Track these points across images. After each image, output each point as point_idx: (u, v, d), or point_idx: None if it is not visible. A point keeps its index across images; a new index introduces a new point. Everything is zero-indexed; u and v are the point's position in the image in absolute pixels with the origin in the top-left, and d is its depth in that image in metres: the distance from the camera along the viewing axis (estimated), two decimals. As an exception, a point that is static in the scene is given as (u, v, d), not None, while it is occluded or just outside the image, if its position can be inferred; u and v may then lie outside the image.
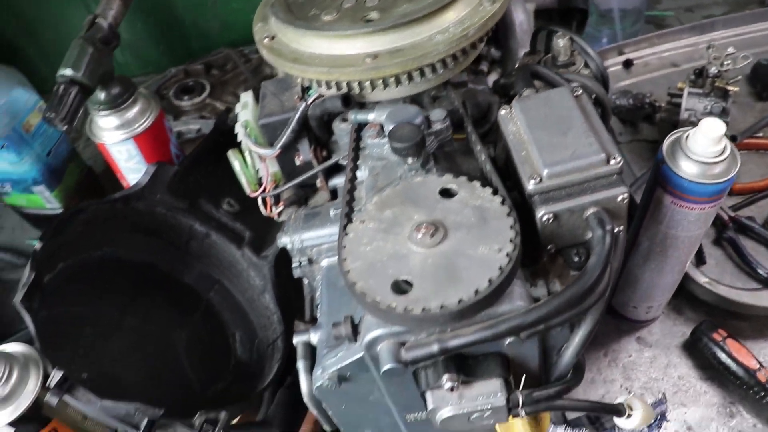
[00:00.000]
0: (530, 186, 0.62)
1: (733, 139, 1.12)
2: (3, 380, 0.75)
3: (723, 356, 0.92)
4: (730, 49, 1.05)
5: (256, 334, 0.98)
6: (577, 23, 1.46)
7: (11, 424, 0.77)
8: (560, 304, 0.57)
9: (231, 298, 1.00)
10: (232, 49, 1.46)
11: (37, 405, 0.78)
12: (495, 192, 0.63)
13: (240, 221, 1.00)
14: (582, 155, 0.62)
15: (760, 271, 1.01)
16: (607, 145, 0.63)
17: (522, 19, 0.96)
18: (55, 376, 0.72)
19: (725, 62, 1.04)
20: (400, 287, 0.58)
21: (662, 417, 0.83)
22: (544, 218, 0.62)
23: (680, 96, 1.11)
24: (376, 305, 0.57)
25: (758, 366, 0.90)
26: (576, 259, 0.65)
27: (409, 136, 0.65)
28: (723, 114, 1.07)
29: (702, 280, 0.98)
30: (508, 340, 0.60)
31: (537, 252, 0.68)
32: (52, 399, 0.71)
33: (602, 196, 0.62)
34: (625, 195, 0.62)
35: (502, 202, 0.62)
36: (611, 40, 1.37)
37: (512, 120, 0.68)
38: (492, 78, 0.89)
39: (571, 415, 0.86)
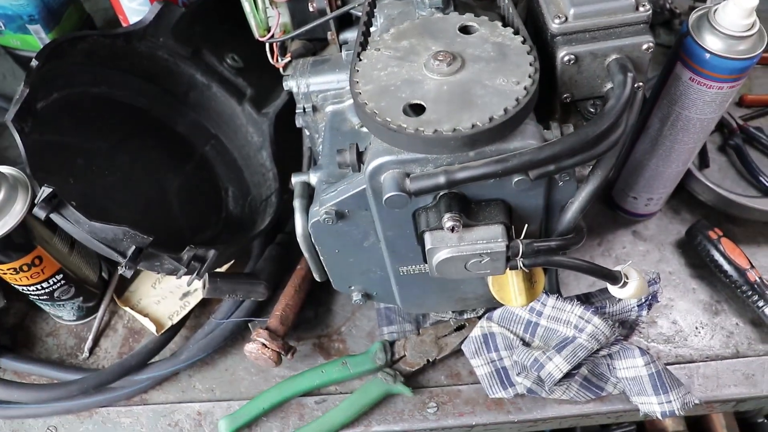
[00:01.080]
0: (554, 25, 0.60)
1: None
2: (-11, 196, 0.74)
3: (716, 254, 0.92)
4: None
5: (249, 191, 0.96)
6: None
7: (-6, 242, 0.76)
8: (573, 143, 0.56)
9: (227, 154, 0.98)
10: None
11: (24, 228, 0.77)
12: (516, 32, 0.61)
13: (242, 77, 0.97)
14: (611, -2, 0.60)
15: (762, 180, 1.00)
16: (638, -7, 0.61)
17: None
18: (44, 191, 0.69)
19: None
20: (413, 110, 0.56)
21: (653, 297, 0.82)
22: (565, 59, 0.60)
23: (704, 1, 1.08)
24: (386, 125, 0.55)
25: (749, 266, 0.90)
26: (592, 110, 0.64)
27: (436, -33, 0.62)
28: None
29: (703, 180, 0.97)
30: (516, 179, 0.59)
31: (550, 107, 0.67)
32: (39, 213, 0.69)
33: (627, 42, 0.60)
34: (651, 44, 0.60)
35: (523, 41, 0.60)
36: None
37: (542, -39, 0.65)
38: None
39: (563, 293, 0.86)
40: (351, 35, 0.83)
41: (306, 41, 0.85)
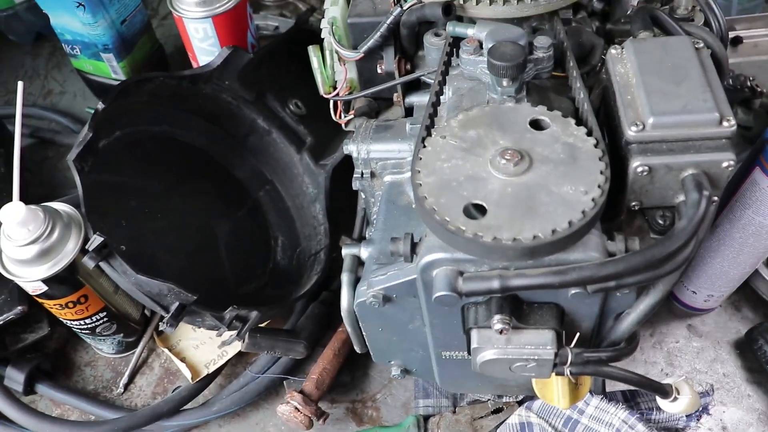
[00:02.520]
0: (631, 132, 0.57)
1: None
2: (45, 235, 0.74)
3: (776, 361, 0.87)
4: None
5: (299, 242, 0.95)
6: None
7: (45, 281, 0.76)
8: (638, 263, 0.53)
9: (280, 202, 0.97)
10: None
11: (72, 267, 0.78)
12: (589, 133, 0.58)
13: (303, 125, 0.97)
14: (694, 110, 0.56)
15: (834, 283, 0.95)
16: (722, 105, 0.57)
17: (640, -35, 0.88)
18: (95, 240, 0.70)
19: None
20: (473, 212, 0.54)
21: (704, 409, 0.79)
22: (639, 169, 0.57)
23: (788, 84, 1.03)
24: (444, 224, 0.53)
25: (812, 379, 0.86)
26: (660, 221, 0.61)
27: (512, 55, 0.60)
28: (832, 110, 0.99)
29: (770, 279, 0.92)
30: (573, 291, 0.56)
31: (617, 209, 0.64)
32: (89, 262, 0.70)
33: (706, 158, 0.56)
34: (732, 162, 0.56)
35: (596, 145, 0.57)
36: (724, 13, 1.27)
37: (622, 61, 0.63)
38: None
39: (608, 388, 0.82)
40: (417, 99, 0.81)
41: (371, 99, 0.84)
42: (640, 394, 0.82)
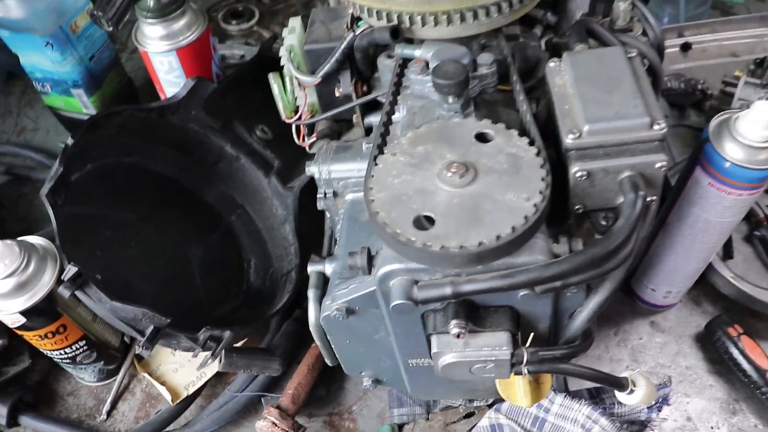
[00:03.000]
0: (568, 140, 0.61)
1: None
2: (21, 268, 0.77)
3: (735, 352, 0.90)
4: (796, 43, 1.01)
5: (271, 263, 0.98)
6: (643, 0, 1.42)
7: (23, 312, 0.79)
8: (581, 262, 0.56)
9: (252, 225, 1.00)
10: (285, -21, 1.45)
11: (50, 298, 0.80)
12: (531, 143, 0.62)
13: (270, 149, 1.00)
14: (626, 116, 0.60)
15: (788, 273, 0.99)
16: (653, 110, 0.61)
17: (583, -19, 0.93)
18: (70, 270, 0.72)
19: (790, 56, 1.00)
20: (422, 223, 0.57)
21: (664, 400, 0.82)
22: (578, 174, 0.60)
23: (735, 85, 1.07)
24: (396, 236, 0.56)
25: (770, 367, 0.89)
26: (603, 222, 0.64)
27: (453, 73, 0.63)
28: (777, 108, 1.03)
29: (726, 273, 0.96)
30: (522, 293, 0.60)
31: (564, 213, 0.67)
32: (64, 292, 0.72)
33: (640, 160, 0.60)
34: (664, 163, 0.60)
35: (537, 154, 0.60)
36: (672, 21, 1.32)
37: (560, 73, 0.66)
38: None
39: (571, 385, 0.85)
40: (375, 118, 0.84)
41: (332, 122, 0.87)
42: (605, 391, 0.86)
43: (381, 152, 0.64)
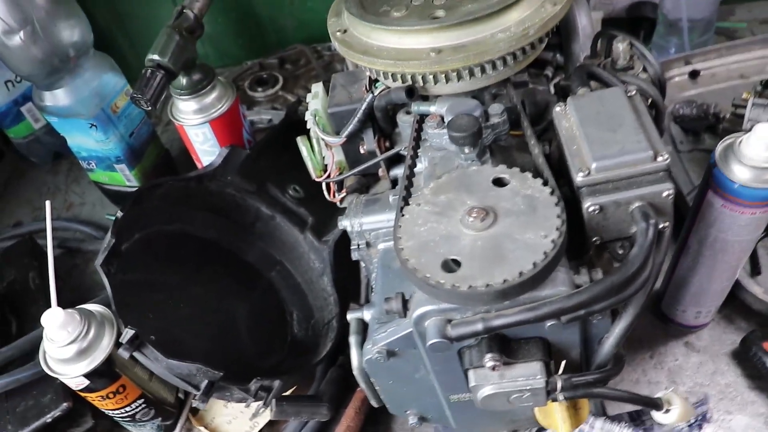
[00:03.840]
0: (579, 178, 0.65)
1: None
2: (82, 334, 0.83)
3: (773, 366, 0.92)
4: (800, 61, 1.04)
5: (312, 314, 1.03)
6: (644, 32, 1.47)
7: (86, 375, 0.84)
8: (600, 291, 0.60)
9: (291, 279, 1.06)
10: (305, 46, 1.52)
11: (109, 361, 0.85)
12: (545, 183, 0.66)
13: (304, 207, 1.06)
14: (630, 151, 0.64)
15: (817, 284, 1.00)
16: (656, 143, 0.65)
17: (585, 24, 0.98)
18: (127, 333, 0.78)
19: (794, 75, 1.04)
20: (450, 266, 0.62)
21: (703, 418, 0.84)
22: (591, 209, 0.65)
23: (745, 107, 1.11)
24: (426, 281, 0.61)
25: (808, 378, 0.90)
26: (620, 251, 0.68)
27: (467, 126, 0.68)
28: (787, 126, 1.06)
29: (756, 289, 0.97)
30: (549, 323, 0.64)
31: (584, 246, 0.71)
32: (123, 353, 0.78)
33: (648, 191, 0.64)
34: (671, 191, 0.64)
35: (551, 193, 0.65)
36: (679, 51, 1.36)
37: (566, 116, 0.71)
38: (554, 80, 0.92)
39: (611, 410, 0.88)
40: (400, 170, 0.90)
41: (360, 177, 0.93)
42: (645, 413, 0.88)
43: (407, 203, 0.69)
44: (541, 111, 0.84)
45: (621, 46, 0.84)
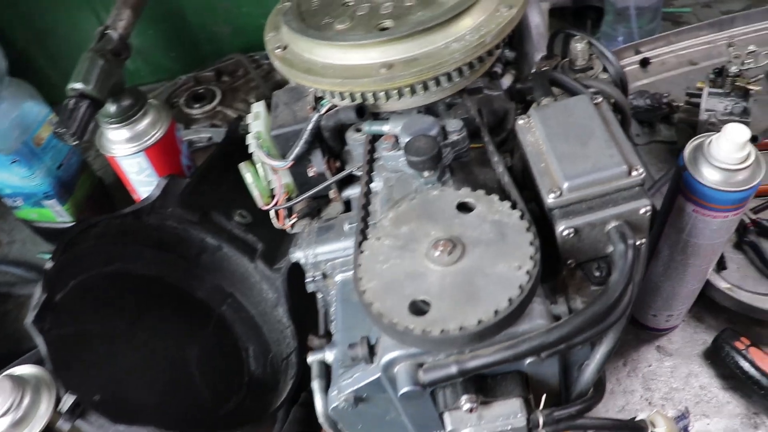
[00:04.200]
0: (550, 200, 0.61)
1: (754, 139, 1.09)
2: (15, 405, 0.74)
3: (746, 365, 0.90)
4: (751, 47, 1.02)
5: (269, 348, 0.97)
6: (592, 21, 1.45)
7: (22, 450, 0.76)
8: (582, 323, 0.56)
9: (244, 312, 0.99)
10: (242, 55, 1.45)
11: (49, 429, 0.77)
12: (514, 206, 0.61)
13: (252, 233, 0.99)
14: (603, 167, 0.60)
15: (783, 276, 0.98)
16: (629, 156, 0.61)
17: (538, 22, 0.94)
18: (67, 400, 0.71)
19: (746, 60, 1.01)
20: (418, 307, 0.56)
21: (685, 429, 0.81)
22: (565, 233, 0.60)
23: (699, 96, 1.08)
24: (393, 327, 0.55)
25: (783, 375, 0.88)
26: (597, 273, 0.64)
27: (426, 149, 0.63)
28: (744, 114, 1.04)
29: (723, 285, 0.96)
30: (529, 360, 0.59)
31: (556, 265, 0.67)
32: (63, 426, 0.71)
33: (624, 209, 0.60)
34: (648, 207, 0.60)
35: (521, 217, 0.60)
36: (627, 39, 1.34)
37: (530, 130, 0.66)
38: (506, 80, 0.87)
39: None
40: (352, 191, 0.84)
41: (310, 200, 0.87)
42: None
43: (365, 237, 0.64)
44: (500, 119, 0.79)
45: (579, 45, 0.80)
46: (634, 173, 0.60)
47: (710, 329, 0.98)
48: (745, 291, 0.96)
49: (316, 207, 0.87)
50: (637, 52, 1.29)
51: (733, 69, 1.02)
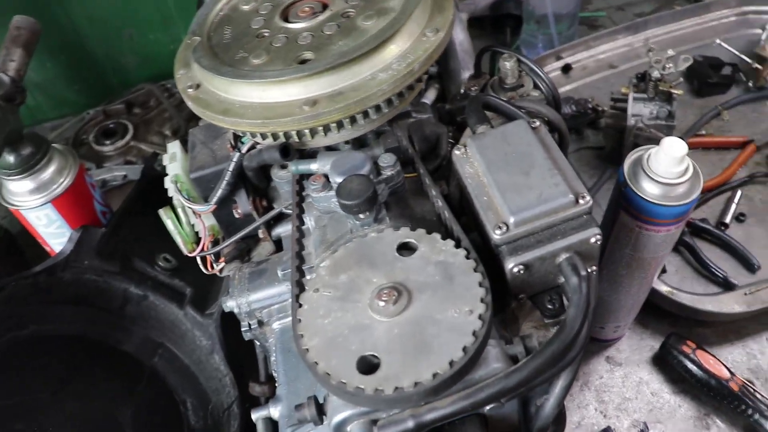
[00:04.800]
0: (496, 236, 0.57)
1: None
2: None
3: (694, 368, 0.90)
4: (670, 51, 1.02)
5: (209, 399, 0.91)
6: (510, 30, 1.44)
7: None
8: (542, 365, 0.53)
9: (177, 362, 0.93)
10: (153, 84, 1.37)
11: None
12: (458, 244, 0.58)
13: (179, 277, 0.93)
14: (549, 198, 0.58)
15: (718, 274, 0.99)
16: (574, 183, 0.59)
17: (462, 39, 0.91)
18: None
19: (667, 65, 1.01)
20: (367, 363, 0.52)
21: (647, 446, 0.80)
22: (515, 270, 0.57)
23: (624, 101, 1.08)
24: (343, 387, 0.51)
25: (729, 375, 0.89)
26: (550, 306, 0.61)
27: (359, 190, 0.59)
28: (669, 118, 1.05)
29: (664, 289, 0.96)
30: (488, 406, 0.56)
31: (505, 298, 0.64)
32: None
33: (574, 239, 0.58)
34: (599, 236, 0.58)
35: (467, 256, 0.57)
36: (547, 45, 1.34)
37: (468, 161, 0.63)
38: (431, 94, 0.83)
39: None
40: (282, 229, 0.80)
41: (238, 242, 0.82)
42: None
43: (302, 288, 0.59)
44: (432, 145, 0.76)
45: (508, 63, 0.77)
46: (581, 201, 0.58)
47: (656, 334, 0.98)
48: (685, 293, 0.96)
49: (245, 248, 0.83)
50: (558, 58, 1.28)
51: (655, 74, 1.02)
